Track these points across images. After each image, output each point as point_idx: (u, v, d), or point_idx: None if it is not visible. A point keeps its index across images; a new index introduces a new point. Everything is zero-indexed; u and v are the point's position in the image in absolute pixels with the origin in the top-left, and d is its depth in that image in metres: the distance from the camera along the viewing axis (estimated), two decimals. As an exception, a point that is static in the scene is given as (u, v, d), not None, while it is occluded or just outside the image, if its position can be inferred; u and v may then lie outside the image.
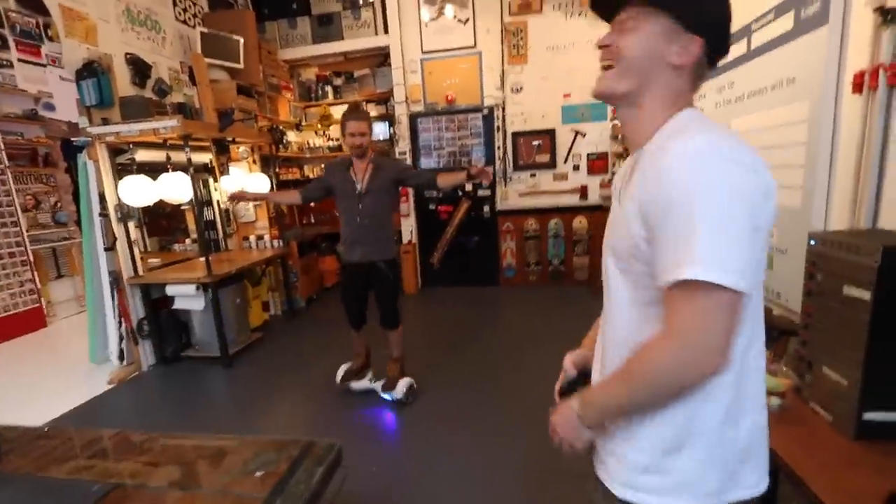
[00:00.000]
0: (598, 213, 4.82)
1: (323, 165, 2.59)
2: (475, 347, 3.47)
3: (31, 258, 4.58)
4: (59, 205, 5.25)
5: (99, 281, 3.38)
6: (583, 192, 4.86)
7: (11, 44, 4.80)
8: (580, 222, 4.88)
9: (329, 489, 1.05)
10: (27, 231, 4.58)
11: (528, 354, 3.29)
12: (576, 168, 4.87)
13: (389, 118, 5.51)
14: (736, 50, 2.02)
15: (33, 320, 4.54)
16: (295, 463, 1.05)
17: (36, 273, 4.62)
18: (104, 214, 3.24)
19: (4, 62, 4.73)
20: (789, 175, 1.64)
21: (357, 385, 2.85)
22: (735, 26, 1.96)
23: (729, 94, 2.09)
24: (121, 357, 3.37)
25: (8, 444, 1.21)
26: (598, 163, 4.80)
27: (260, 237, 4.39)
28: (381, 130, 5.64)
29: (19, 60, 4.86)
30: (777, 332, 1.52)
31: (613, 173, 4.60)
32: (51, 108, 5.14)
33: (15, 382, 3.31)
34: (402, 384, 2.69)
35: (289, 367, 3.36)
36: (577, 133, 4.80)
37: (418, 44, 4.85)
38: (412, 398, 2.70)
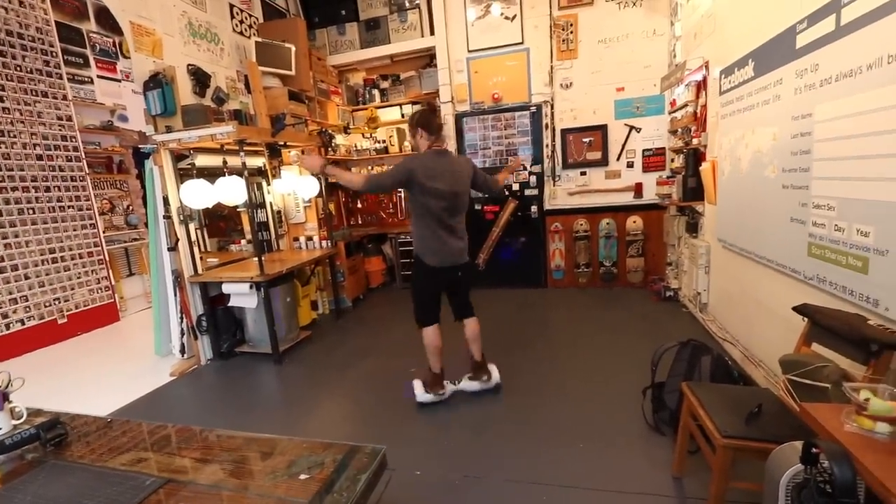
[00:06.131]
0: (654, 213, 4.55)
1: (407, 157, 2.47)
2: (521, 351, 3.35)
3: (107, 257, 4.96)
4: (130, 208, 5.67)
5: (163, 279, 3.59)
6: (637, 189, 4.61)
7: (92, 62, 5.25)
8: (634, 222, 4.62)
9: (373, 494, 1.01)
10: (104, 232, 4.97)
11: (576, 359, 3.14)
12: (629, 165, 4.63)
13: (435, 119, 5.49)
14: (821, 28, 1.80)
15: (108, 314, 4.91)
16: (339, 468, 1.02)
17: (111, 271, 5.00)
18: (168, 216, 3.44)
19: (86, 79, 5.18)
20: (892, 166, 1.43)
21: (468, 386, 2.80)
22: (820, 2, 1.77)
23: (812, 77, 1.86)
24: (182, 351, 3.57)
25: (74, 433, 1.27)
26: (654, 159, 4.54)
27: (309, 238, 4.50)
28: (426, 132, 5.63)
29: (98, 77, 5.31)
30: (877, 346, 1.33)
31: (672, 170, 4.31)
32: (124, 119, 5.57)
33: (91, 372, 3.57)
34: (494, 368, 2.81)
35: (335, 366, 3.40)
36: (631, 128, 4.56)
37: (464, 43, 4.80)
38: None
